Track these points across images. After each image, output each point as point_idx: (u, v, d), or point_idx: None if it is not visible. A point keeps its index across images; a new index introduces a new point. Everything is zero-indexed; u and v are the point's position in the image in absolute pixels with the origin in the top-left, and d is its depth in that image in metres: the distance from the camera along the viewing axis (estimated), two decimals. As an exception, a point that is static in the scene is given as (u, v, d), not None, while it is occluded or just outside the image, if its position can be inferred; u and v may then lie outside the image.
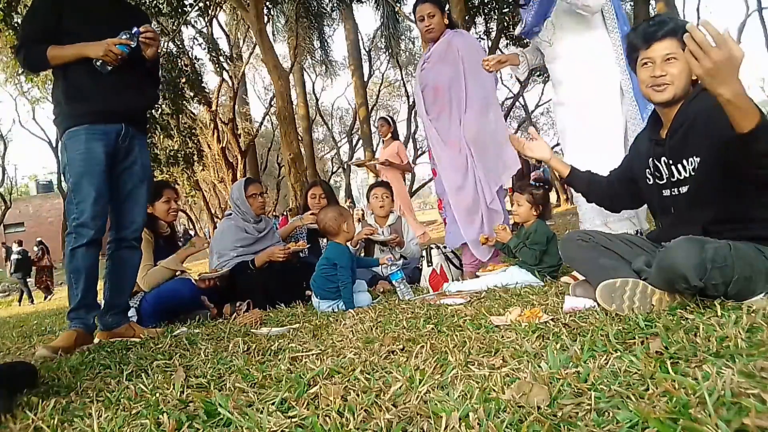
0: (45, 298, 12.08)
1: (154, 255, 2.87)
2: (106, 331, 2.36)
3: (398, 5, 14.32)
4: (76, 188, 2.18)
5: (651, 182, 1.81)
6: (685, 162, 1.66)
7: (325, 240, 3.64)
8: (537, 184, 2.83)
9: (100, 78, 2.21)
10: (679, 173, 1.69)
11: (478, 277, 2.81)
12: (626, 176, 1.97)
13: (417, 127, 22.13)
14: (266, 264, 3.04)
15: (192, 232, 24.51)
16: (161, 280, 2.79)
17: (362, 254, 3.68)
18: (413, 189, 21.90)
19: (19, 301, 12.16)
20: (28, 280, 12.75)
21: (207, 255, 3.40)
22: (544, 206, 2.86)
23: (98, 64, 2.19)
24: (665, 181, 1.75)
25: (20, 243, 13.59)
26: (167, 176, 12.44)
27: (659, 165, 1.76)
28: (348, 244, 2.75)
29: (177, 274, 2.90)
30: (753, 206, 1.54)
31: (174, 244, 3.12)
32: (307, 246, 3.14)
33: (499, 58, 2.88)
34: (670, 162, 1.70)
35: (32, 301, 11.66)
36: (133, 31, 2.22)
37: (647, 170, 1.81)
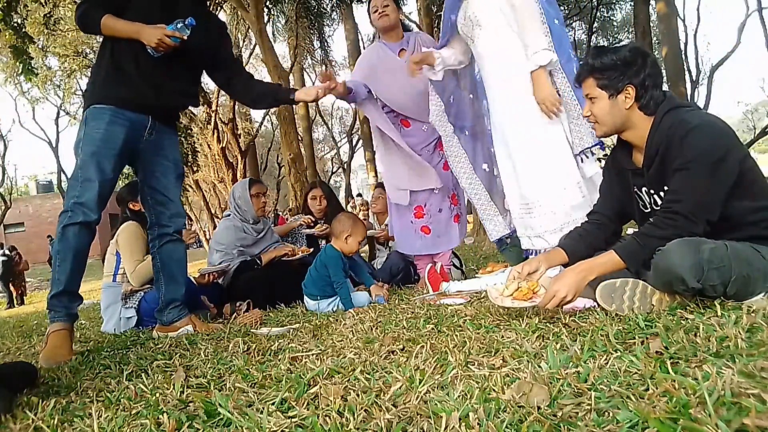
0: (18, 303, 11.84)
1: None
2: (167, 326, 2.35)
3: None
4: (84, 166, 2.06)
5: (647, 210, 1.77)
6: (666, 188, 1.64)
7: (324, 242, 3.66)
8: None
9: (145, 66, 2.15)
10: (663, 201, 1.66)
11: (476, 278, 2.82)
12: (616, 210, 1.88)
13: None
14: (271, 261, 3.08)
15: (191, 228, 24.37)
16: (151, 275, 2.74)
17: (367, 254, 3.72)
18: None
19: (8, 305, 12.01)
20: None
21: (206, 254, 3.40)
22: None
23: (151, 49, 2.12)
24: (649, 210, 1.73)
25: (0, 246, 13.45)
26: None
27: (641, 194, 1.75)
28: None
29: None
30: (745, 210, 1.54)
31: None
32: (310, 251, 3.21)
33: (413, 58, 2.64)
34: (652, 192, 1.70)
35: (12, 305, 11.57)
36: (186, 22, 2.11)
37: (639, 202, 1.78)
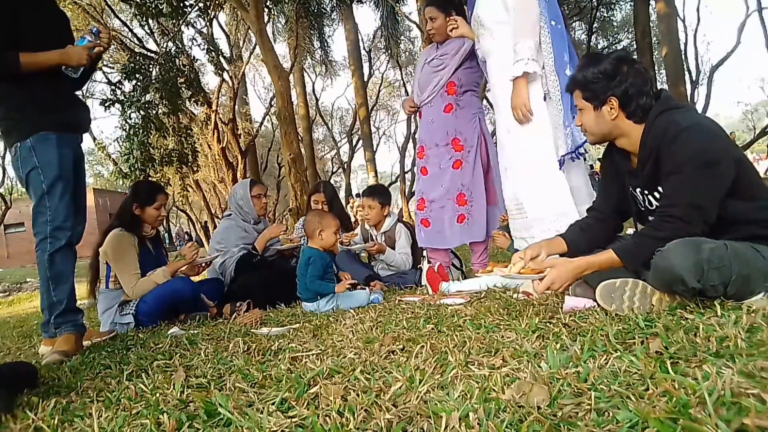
0: None
1: (142, 259, 2.75)
2: (54, 338, 2.18)
3: (398, 5, 14.31)
4: (51, 191, 2.13)
5: (643, 209, 1.78)
6: (660, 189, 1.65)
7: None
8: None
9: (60, 91, 2.23)
10: (658, 201, 1.67)
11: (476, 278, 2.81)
12: (615, 208, 1.89)
13: (417, 127, 22.07)
14: (269, 260, 3.08)
15: (191, 233, 24.38)
16: (151, 288, 2.71)
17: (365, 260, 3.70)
18: (412, 188, 21.90)
19: None
20: None
21: (205, 255, 3.40)
22: None
23: (69, 69, 2.20)
24: (645, 210, 1.74)
25: None
26: (160, 176, 12.31)
27: (636, 195, 1.76)
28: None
29: None
30: (743, 210, 1.54)
31: (160, 244, 3.03)
32: (300, 242, 3.23)
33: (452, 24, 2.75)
34: (646, 192, 1.71)
35: None
36: (93, 31, 2.22)
37: (637, 202, 1.79)
